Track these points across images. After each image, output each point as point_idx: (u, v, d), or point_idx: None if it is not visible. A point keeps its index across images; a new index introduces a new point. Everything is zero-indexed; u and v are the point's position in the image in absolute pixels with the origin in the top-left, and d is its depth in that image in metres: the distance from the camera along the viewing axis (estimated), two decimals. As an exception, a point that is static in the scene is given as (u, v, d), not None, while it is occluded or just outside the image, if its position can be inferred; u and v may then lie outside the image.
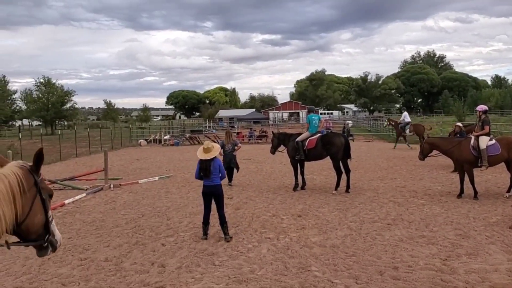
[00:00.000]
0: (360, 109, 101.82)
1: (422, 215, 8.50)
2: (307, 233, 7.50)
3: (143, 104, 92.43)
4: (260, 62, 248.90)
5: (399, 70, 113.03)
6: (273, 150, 12.98)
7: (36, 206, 2.76)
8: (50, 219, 2.87)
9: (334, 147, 11.27)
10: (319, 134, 11.86)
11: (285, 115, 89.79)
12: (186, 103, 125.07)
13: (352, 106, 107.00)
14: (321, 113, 75.42)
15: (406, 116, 24.19)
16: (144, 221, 8.67)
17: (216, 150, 7.46)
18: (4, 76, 62.66)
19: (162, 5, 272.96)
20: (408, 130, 23.36)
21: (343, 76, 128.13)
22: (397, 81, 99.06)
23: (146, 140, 35.27)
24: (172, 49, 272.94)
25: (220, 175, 7.38)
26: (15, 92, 64.72)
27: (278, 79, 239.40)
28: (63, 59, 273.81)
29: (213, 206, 7.48)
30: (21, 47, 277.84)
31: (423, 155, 11.07)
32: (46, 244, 2.86)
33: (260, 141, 33.23)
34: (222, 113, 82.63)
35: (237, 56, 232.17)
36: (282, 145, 12.72)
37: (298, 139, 11.80)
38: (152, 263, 6.05)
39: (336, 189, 11.16)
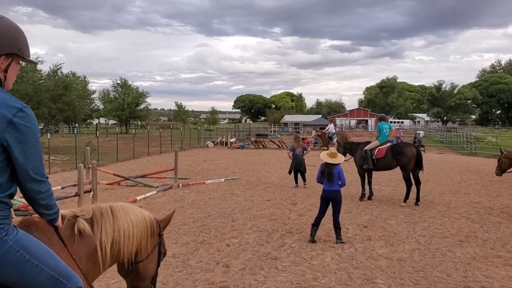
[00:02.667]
0: (432, 119, 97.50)
1: (498, 234, 7.98)
2: (373, 244, 7.32)
3: (211, 107, 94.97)
4: (328, 68, 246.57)
5: (477, 79, 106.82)
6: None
7: (154, 254, 2.90)
8: (156, 277, 2.95)
9: (405, 158, 10.90)
10: (389, 144, 11.53)
11: (353, 122, 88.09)
12: (253, 107, 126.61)
13: (424, 115, 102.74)
14: (391, 122, 73.16)
15: (332, 128, 29.26)
16: (210, 220, 8.89)
17: (341, 158, 7.74)
18: (85, 77, 67.04)
19: (233, 11, 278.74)
20: (336, 139, 26.09)
21: (416, 84, 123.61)
22: (474, 91, 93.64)
23: (213, 142, 36.15)
24: (241, 54, 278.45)
25: (340, 182, 7.48)
26: (94, 92, 68.87)
27: (346, 85, 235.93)
28: (139, 62, 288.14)
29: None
30: (101, 50, 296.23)
31: (501, 170, 10.40)
32: None
33: (325, 148, 32.85)
34: (288, 118, 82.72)
35: (304, 62, 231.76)
36: (348, 154, 12.52)
37: (366, 148, 11.54)
38: (217, 263, 6.19)
39: (405, 201, 10.78)
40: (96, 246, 2.51)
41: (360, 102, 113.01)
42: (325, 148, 26.11)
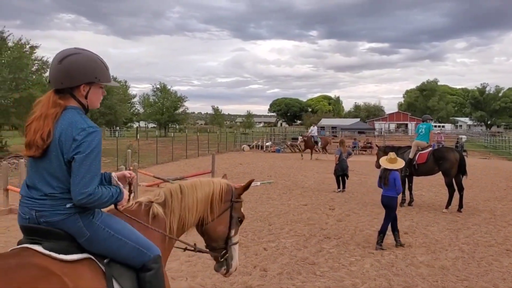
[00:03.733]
0: (475, 123, 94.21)
1: (549, 244, 7.60)
2: (414, 251, 7.12)
3: (247, 111, 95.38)
4: (366, 70, 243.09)
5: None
6: (378, 164, 12.56)
7: (223, 218, 3.21)
8: (232, 239, 3.24)
9: (448, 163, 10.58)
10: (430, 148, 11.23)
11: (392, 126, 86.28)
12: (288, 110, 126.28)
13: (466, 119, 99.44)
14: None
15: (315, 131, 28.10)
16: (247, 224, 8.90)
17: (400, 163, 7.70)
18: (125, 81, 68.95)
19: (269, 15, 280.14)
20: (321, 143, 26.69)
21: (457, 87, 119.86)
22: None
23: (249, 145, 36.30)
24: (277, 58, 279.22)
25: (396, 188, 7.40)
26: (134, 96, 70.69)
27: (385, 89, 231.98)
28: (177, 67, 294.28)
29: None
30: (141, 55, 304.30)
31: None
32: (222, 259, 3.21)
33: (364, 153, 32.35)
34: (325, 121, 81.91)
35: (342, 65, 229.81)
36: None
37: (410, 156, 11.23)
38: (254, 266, 6.19)
39: (447, 207, 10.45)
40: (166, 225, 2.91)
41: (400, 105, 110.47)
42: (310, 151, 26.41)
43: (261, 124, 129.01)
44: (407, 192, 11.32)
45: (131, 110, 67.21)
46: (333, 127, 68.60)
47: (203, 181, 3.23)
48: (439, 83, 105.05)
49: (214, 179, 3.31)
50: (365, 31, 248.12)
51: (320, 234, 8.09)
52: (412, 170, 11.18)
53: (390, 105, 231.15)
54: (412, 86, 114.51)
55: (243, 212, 3.35)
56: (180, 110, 71.31)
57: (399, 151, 11.77)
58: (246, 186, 3.35)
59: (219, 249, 3.21)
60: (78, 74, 2.39)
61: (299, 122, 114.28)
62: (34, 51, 26.28)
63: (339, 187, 13.46)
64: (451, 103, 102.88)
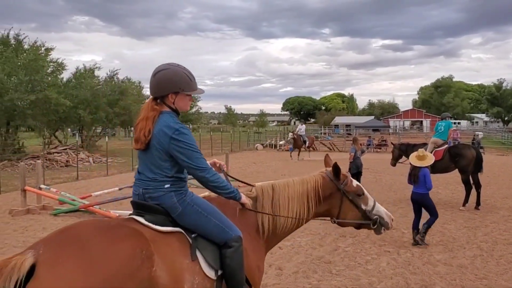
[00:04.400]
0: (492, 119, 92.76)
1: None
2: (431, 249, 7.04)
3: (260, 110, 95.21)
4: (380, 68, 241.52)
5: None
6: (394, 162, 12.48)
7: (346, 206, 3.50)
8: (368, 208, 3.52)
9: (464, 160, 10.43)
10: (446, 145, 11.08)
11: (407, 123, 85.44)
12: (302, 109, 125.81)
13: (482, 115, 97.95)
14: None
15: (303, 129, 25.81)
16: (261, 223, 8.90)
17: (430, 159, 7.66)
18: (140, 82, 69.34)
19: (282, 14, 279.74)
20: (308, 142, 25.04)
21: (473, 83, 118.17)
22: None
23: (262, 144, 36.29)
24: (290, 56, 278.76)
25: (426, 185, 7.35)
26: (148, 96, 71.25)
27: (400, 86, 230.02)
28: (190, 67, 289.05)
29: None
30: (155, 56, 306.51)
31: None
32: (375, 226, 3.53)
33: (379, 150, 32.11)
34: (339, 119, 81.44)
35: (355, 62, 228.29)
36: (404, 157, 12.15)
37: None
38: (270, 265, 6.17)
39: (464, 205, 10.32)
40: (257, 220, 3.27)
41: (415, 102, 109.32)
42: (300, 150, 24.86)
43: (274, 123, 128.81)
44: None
45: (145, 111, 67.32)
46: (347, 125, 68.21)
47: (296, 179, 3.47)
48: (454, 79, 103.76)
49: (308, 176, 3.50)
50: (378, 28, 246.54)
51: (335, 233, 8.04)
52: (428, 167, 11.03)
53: (405, 102, 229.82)
54: (427, 82, 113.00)
55: (355, 185, 3.51)
56: (193, 110, 71.47)
57: (414, 148, 11.65)
58: (335, 170, 3.46)
59: (366, 224, 3.54)
60: (165, 86, 2.93)
61: (312, 120, 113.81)
62: (49, 53, 26.51)
63: None
64: (466, 100, 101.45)
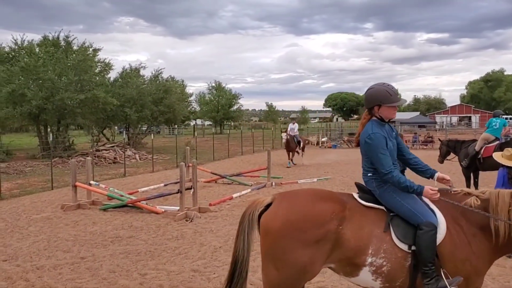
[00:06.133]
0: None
1: None
2: (482, 250, 6.75)
3: (302, 107, 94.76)
4: (425, 62, 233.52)
5: None
6: (441, 159, 12.07)
7: None
8: None
9: (517, 156, 9.94)
10: (497, 142, 10.61)
11: (454, 119, 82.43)
12: (344, 105, 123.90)
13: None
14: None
15: (296, 128, 20.37)
16: (304, 220, 8.85)
17: None
18: (183, 81, 70.63)
19: (323, 9, 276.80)
20: (302, 144, 20.59)
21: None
22: None
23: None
24: (331, 52, 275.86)
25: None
26: (191, 95, 72.26)
27: (446, 80, 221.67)
28: (231, 64, 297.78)
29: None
30: (197, 55, 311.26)
31: None
32: None
33: (425, 147, 31.21)
34: (383, 116, 79.58)
35: (399, 57, 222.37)
36: (452, 153, 11.74)
37: (476, 148, 10.68)
38: (313, 263, 6.14)
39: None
40: (490, 224, 3.43)
41: (462, 97, 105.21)
42: (297, 152, 20.31)
43: (316, 120, 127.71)
44: (472, 188, 10.77)
45: (188, 109, 68.93)
46: (392, 121, 66.52)
47: None
48: (505, 73, 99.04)
49: None
50: (422, 21, 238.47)
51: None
52: (478, 164, 10.63)
53: (452, 98, 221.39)
54: (475, 77, 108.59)
55: None
56: (235, 107, 72.10)
57: (463, 145, 11.25)
58: None
59: None
60: (370, 101, 3.75)
61: (355, 116, 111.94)
62: (97, 54, 27.50)
63: None
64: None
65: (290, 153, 20.12)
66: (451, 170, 16.09)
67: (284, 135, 20.33)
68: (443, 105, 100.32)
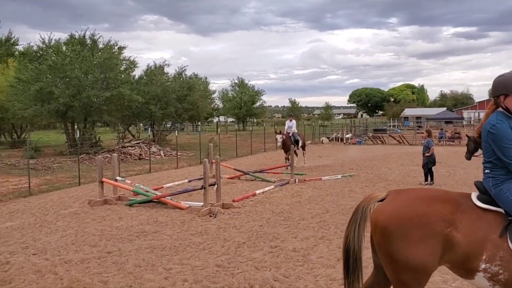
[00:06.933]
0: None
1: None
2: None
3: (325, 103, 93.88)
4: (452, 57, 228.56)
5: None
6: (469, 156, 11.77)
7: None
8: None
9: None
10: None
11: (483, 114, 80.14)
12: (369, 101, 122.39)
13: None
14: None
15: (293, 126, 18.50)
16: (328, 217, 8.80)
17: None
18: (206, 78, 71.09)
19: (346, 4, 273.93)
20: (301, 142, 18.45)
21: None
22: None
23: (328, 138, 35.79)
24: (355, 47, 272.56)
25: None
26: (214, 92, 72.63)
27: (474, 75, 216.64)
28: (254, 61, 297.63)
29: None
30: (220, 52, 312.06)
31: None
32: None
33: (452, 143, 30.57)
34: (408, 111, 78.32)
35: (424, 52, 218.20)
36: (480, 150, 11.42)
37: None
38: (338, 259, 6.07)
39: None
40: None
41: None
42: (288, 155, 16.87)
43: (340, 116, 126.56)
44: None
45: (212, 106, 69.33)
46: (417, 117, 65.41)
47: None
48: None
49: None
50: (449, 15, 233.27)
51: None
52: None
53: (480, 93, 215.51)
54: (505, 71, 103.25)
55: None
56: (258, 104, 72.05)
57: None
58: None
59: None
60: (496, 89, 3.45)
61: (380, 112, 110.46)
62: (122, 52, 27.87)
63: (426, 180, 12.84)
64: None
65: (287, 154, 17.21)
66: (479, 168, 15.68)
67: (279, 137, 17.79)
68: (470, 101, 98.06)
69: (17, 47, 40.66)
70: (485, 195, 3.39)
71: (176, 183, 13.38)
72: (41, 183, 14.76)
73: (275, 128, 17.40)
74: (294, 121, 18.89)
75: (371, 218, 3.47)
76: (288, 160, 16.37)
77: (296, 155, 17.56)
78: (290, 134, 18.09)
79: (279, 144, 17.84)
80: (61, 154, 24.61)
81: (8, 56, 36.44)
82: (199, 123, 48.65)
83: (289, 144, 16.84)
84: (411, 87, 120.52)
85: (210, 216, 8.99)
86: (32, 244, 7.25)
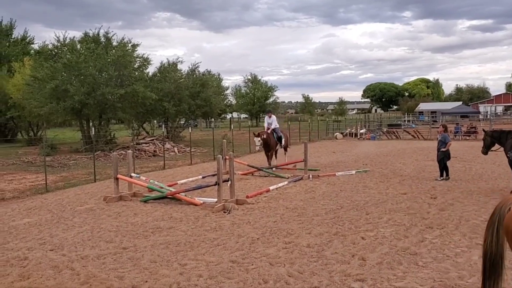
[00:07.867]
0: None
1: None
2: (530, 244, 6.47)
3: (339, 98, 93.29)
4: (467, 50, 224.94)
5: None
6: (485, 150, 11.61)
7: None
8: None
9: None
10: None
11: (499, 108, 79.09)
12: (383, 96, 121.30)
13: None
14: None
15: (274, 122, 16.22)
16: (343, 213, 8.76)
17: None
18: (219, 74, 71.20)
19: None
20: (284, 140, 16.54)
21: None
22: None
23: (341, 133, 35.61)
24: (369, 42, 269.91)
25: None
26: (227, 88, 72.72)
27: (490, 69, 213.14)
28: (267, 57, 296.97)
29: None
30: (232, 48, 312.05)
31: None
32: None
33: (468, 138, 30.17)
34: (423, 106, 77.38)
35: (439, 45, 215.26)
36: (497, 144, 11.28)
37: None
38: (353, 255, 6.06)
39: None
40: None
41: (508, 86, 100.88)
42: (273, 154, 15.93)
43: (354, 111, 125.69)
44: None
45: (225, 102, 69.44)
46: (433, 112, 64.66)
47: None
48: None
49: None
50: (464, 8, 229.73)
51: (421, 224, 7.68)
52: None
53: (497, 86, 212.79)
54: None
55: None
56: (271, 100, 72.03)
57: (509, 135, 10.78)
58: None
59: None
60: None
61: (395, 107, 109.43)
62: (136, 49, 28.00)
63: (442, 175, 12.71)
64: None
65: (269, 154, 15.77)
66: (495, 162, 15.52)
67: (257, 140, 15.35)
68: (487, 94, 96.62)
69: (32, 45, 41.35)
70: None
71: (190, 179, 13.45)
72: (58, 180, 14.97)
73: (253, 132, 14.50)
74: (274, 117, 16.66)
75: (504, 222, 3.38)
76: (271, 160, 15.65)
77: (275, 157, 16.33)
78: (269, 131, 15.81)
79: (257, 148, 15.73)
80: (77, 151, 24.91)
81: (24, 54, 37.03)
82: (212, 119, 48.64)
83: (273, 143, 15.64)
84: (426, 81, 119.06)
85: (224, 212, 9.03)
86: (49, 240, 7.36)
